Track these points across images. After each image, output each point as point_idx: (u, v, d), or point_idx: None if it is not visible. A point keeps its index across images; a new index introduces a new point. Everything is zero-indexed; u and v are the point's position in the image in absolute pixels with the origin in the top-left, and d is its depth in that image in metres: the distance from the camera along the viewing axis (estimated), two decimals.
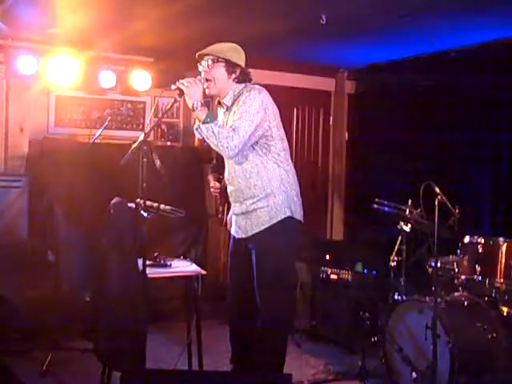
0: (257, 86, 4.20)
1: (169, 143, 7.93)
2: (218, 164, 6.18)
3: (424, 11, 5.17)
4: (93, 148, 6.17)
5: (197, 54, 4.24)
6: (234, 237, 4.47)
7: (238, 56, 4.21)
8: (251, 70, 4.29)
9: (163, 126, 7.90)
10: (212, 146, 4.04)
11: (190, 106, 4.02)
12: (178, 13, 5.33)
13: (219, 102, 4.33)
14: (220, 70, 4.16)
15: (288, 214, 4.19)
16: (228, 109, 4.23)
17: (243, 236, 4.32)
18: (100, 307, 4.53)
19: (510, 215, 5.87)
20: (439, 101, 6.59)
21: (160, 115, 7.04)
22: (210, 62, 4.16)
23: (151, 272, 4.38)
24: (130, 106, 7.68)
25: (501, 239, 4.84)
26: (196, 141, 7.98)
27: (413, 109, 6.87)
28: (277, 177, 4.19)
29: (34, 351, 5.29)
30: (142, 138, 3.92)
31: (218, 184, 6.12)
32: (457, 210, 4.76)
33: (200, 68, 4.22)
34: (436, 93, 6.61)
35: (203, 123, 3.98)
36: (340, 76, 8.22)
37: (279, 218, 4.18)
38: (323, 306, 6.08)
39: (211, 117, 4.00)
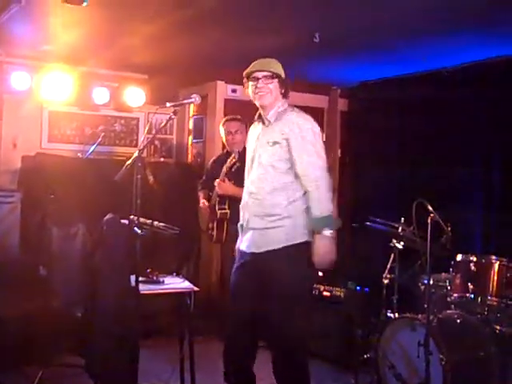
0: (302, 113, 4.28)
1: (162, 159, 7.95)
2: (207, 181, 6.22)
3: (417, 31, 5.22)
4: (86, 164, 6.18)
5: (248, 71, 4.21)
6: (242, 251, 4.31)
7: (283, 72, 4.26)
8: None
9: (156, 142, 7.93)
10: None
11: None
12: (171, 31, 5.37)
13: (260, 116, 4.31)
14: (275, 85, 4.20)
15: (306, 238, 4.12)
16: (270, 124, 4.23)
17: (255, 251, 4.19)
18: (92, 323, 4.52)
19: (502, 233, 5.88)
20: (431, 119, 6.62)
21: (154, 132, 7.06)
22: (267, 78, 4.17)
23: (144, 288, 4.36)
24: (123, 122, 7.70)
25: (493, 257, 4.86)
26: (189, 157, 8.02)
27: (405, 126, 6.90)
28: (301, 201, 4.13)
29: (25, 367, 5.25)
30: (136, 154, 3.92)
31: (206, 202, 6.14)
32: (449, 228, 4.78)
33: (250, 85, 4.21)
34: (428, 111, 6.63)
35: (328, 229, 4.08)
36: (333, 93, 8.27)
37: (296, 241, 4.10)
38: (316, 323, 6.06)
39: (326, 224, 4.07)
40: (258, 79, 4.19)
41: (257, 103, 4.25)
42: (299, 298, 4.18)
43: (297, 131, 4.12)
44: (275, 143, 4.14)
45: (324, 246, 4.06)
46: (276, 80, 4.19)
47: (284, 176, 4.14)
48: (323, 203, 4.04)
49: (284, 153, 4.12)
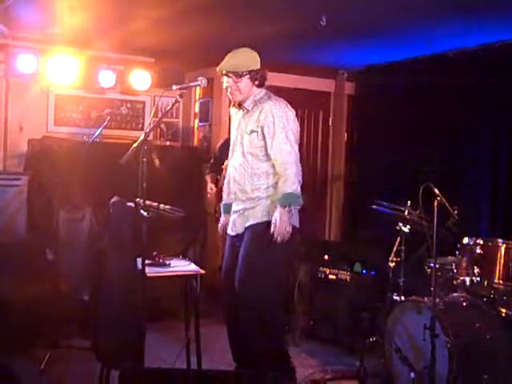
0: (276, 99, 4.39)
1: (168, 143, 7.94)
2: (215, 164, 6.22)
3: (424, 13, 5.18)
4: (92, 147, 6.18)
5: (217, 68, 4.38)
6: (230, 235, 4.59)
7: (257, 62, 4.39)
8: None
9: (162, 126, 7.91)
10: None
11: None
12: (178, 14, 5.34)
13: (239, 104, 4.48)
14: (245, 81, 4.35)
15: None
16: (248, 112, 4.41)
17: (239, 232, 4.46)
18: (99, 306, 4.53)
19: (508, 217, 5.87)
20: (438, 102, 6.59)
21: (160, 115, 7.05)
22: (234, 77, 4.34)
23: (150, 271, 4.38)
24: (129, 105, 7.69)
25: (499, 240, 4.85)
26: (195, 140, 8.01)
27: (412, 110, 6.86)
28: None
29: (32, 349, 5.28)
30: (142, 137, 3.94)
31: (214, 187, 6.13)
32: (455, 211, 4.77)
33: (225, 79, 4.38)
34: (435, 94, 6.61)
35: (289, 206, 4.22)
36: (340, 77, 8.22)
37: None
38: (321, 306, 6.08)
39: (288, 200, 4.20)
40: (227, 77, 4.37)
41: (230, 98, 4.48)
42: (271, 265, 4.34)
43: (270, 119, 4.29)
44: (252, 132, 4.36)
45: (283, 220, 4.19)
46: (246, 76, 4.34)
47: (262, 162, 4.36)
48: (288, 183, 4.22)
49: (259, 140, 4.34)
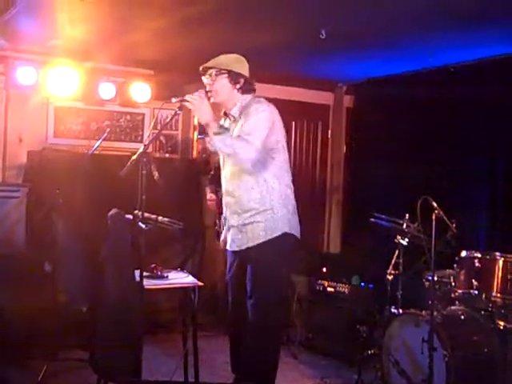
0: (264, 100, 4.25)
1: (167, 155, 7.94)
2: (215, 176, 6.20)
3: (423, 27, 5.20)
4: (91, 159, 6.18)
5: (200, 68, 4.29)
6: (229, 251, 4.48)
7: (241, 66, 4.27)
8: None
9: (162, 138, 7.91)
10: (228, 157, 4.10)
11: (203, 123, 4.03)
12: (178, 25, 5.36)
13: (225, 113, 4.37)
14: (223, 81, 4.21)
15: (285, 230, 4.21)
16: (235, 120, 4.26)
17: (237, 249, 4.34)
18: (97, 318, 4.53)
19: (506, 230, 5.88)
20: (437, 115, 6.61)
21: (159, 127, 7.05)
22: (213, 74, 4.21)
23: (148, 283, 4.38)
24: (128, 117, 7.70)
25: (497, 254, 4.85)
26: (194, 153, 8.01)
27: (410, 123, 6.89)
28: (278, 192, 4.22)
29: (30, 361, 5.27)
30: (141, 149, 3.93)
31: (214, 196, 6.13)
32: (453, 225, 4.78)
33: (204, 80, 4.28)
34: (434, 107, 6.62)
35: (215, 134, 3.97)
36: (338, 90, 8.25)
37: (276, 234, 4.19)
38: (320, 319, 6.08)
39: (223, 129, 4.04)
40: (205, 77, 4.26)
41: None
42: (278, 288, 4.30)
43: (252, 114, 4.10)
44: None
45: (206, 111, 3.99)
46: (224, 76, 4.21)
47: (255, 170, 4.16)
48: (233, 147, 3.98)
49: None
